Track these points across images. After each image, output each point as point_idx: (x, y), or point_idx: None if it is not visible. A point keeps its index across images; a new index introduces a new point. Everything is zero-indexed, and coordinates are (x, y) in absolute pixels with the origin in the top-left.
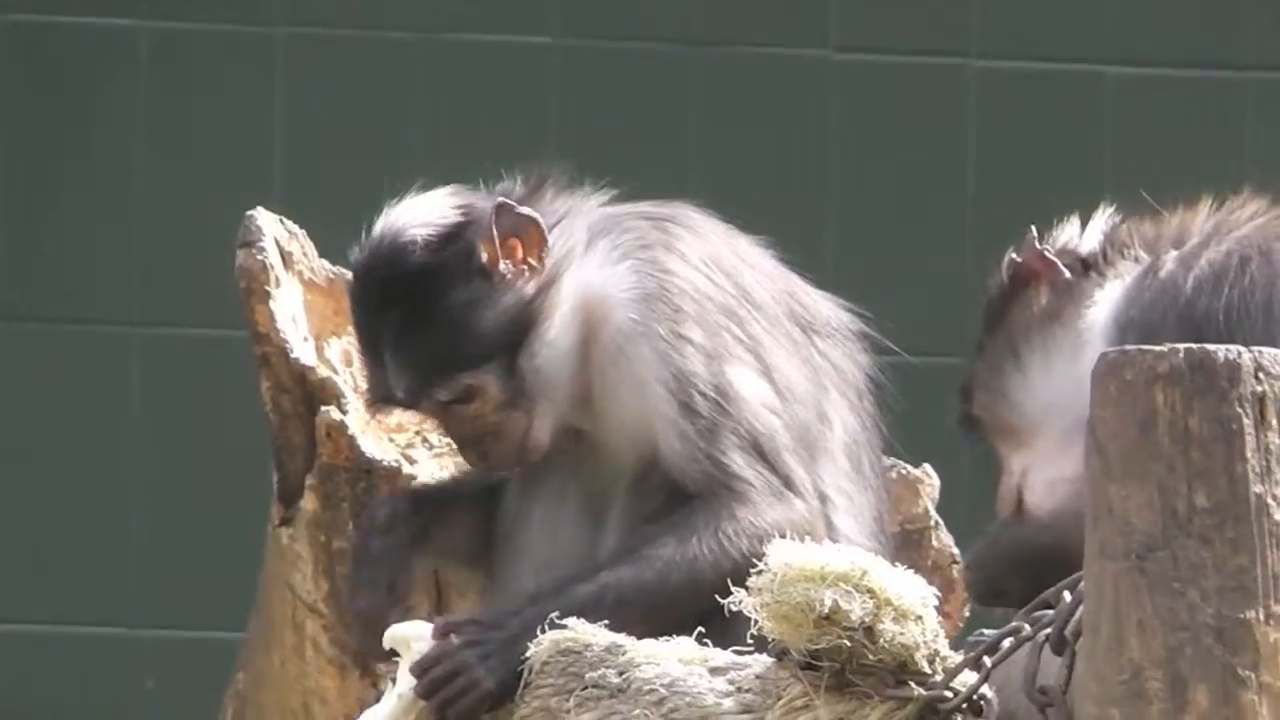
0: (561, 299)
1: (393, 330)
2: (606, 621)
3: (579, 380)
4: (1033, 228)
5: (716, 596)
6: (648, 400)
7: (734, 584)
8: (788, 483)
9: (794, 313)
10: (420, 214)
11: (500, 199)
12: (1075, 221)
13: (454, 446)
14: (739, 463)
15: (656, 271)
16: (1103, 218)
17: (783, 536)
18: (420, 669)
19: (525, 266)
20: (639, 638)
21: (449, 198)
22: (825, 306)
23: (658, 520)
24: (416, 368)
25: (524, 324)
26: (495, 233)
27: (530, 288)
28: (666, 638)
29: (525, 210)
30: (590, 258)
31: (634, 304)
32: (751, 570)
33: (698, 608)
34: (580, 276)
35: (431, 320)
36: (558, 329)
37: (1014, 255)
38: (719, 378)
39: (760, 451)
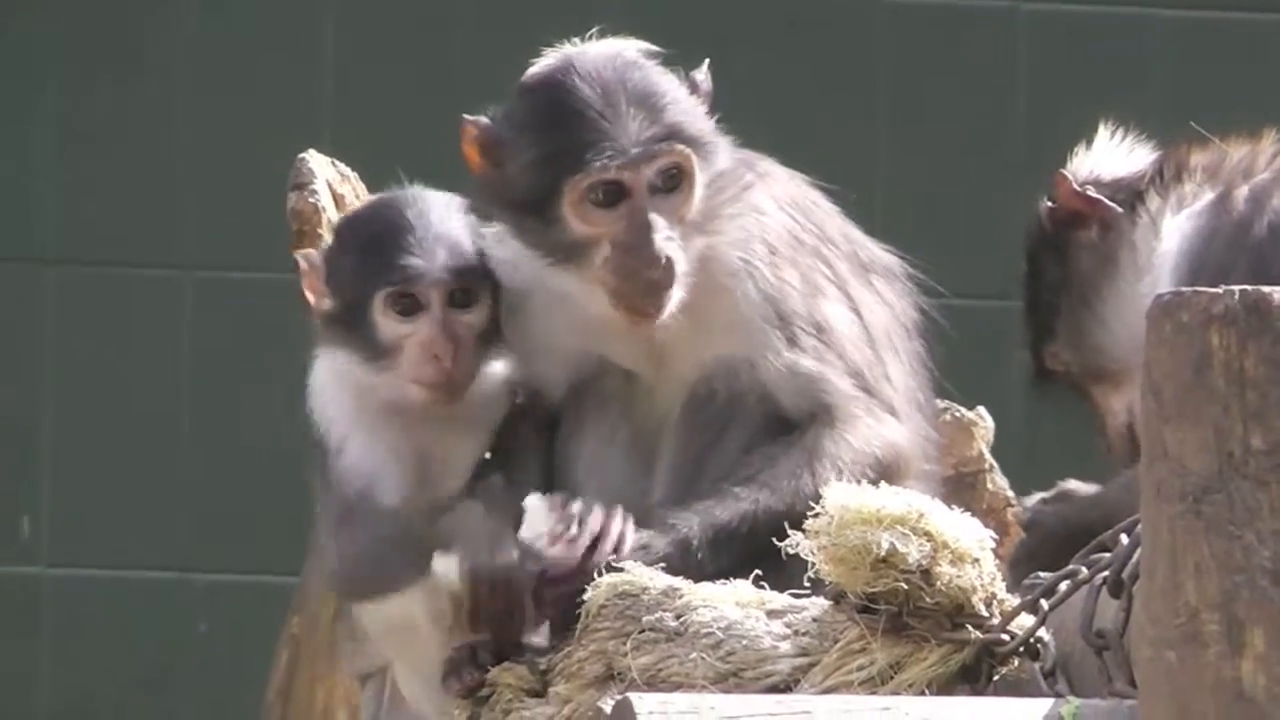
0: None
1: (656, 87)
2: (737, 546)
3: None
4: (1063, 170)
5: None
6: (753, 335)
7: None
8: (891, 409)
9: (855, 253)
10: None
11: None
12: (1088, 152)
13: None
14: (845, 388)
15: (753, 213)
16: (1116, 142)
17: (883, 462)
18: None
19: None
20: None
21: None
22: (876, 247)
23: (721, 450)
24: (674, 118)
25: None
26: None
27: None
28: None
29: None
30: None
31: (736, 244)
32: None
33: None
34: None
35: (679, 97)
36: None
37: (1049, 202)
38: (816, 314)
39: (862, 379)
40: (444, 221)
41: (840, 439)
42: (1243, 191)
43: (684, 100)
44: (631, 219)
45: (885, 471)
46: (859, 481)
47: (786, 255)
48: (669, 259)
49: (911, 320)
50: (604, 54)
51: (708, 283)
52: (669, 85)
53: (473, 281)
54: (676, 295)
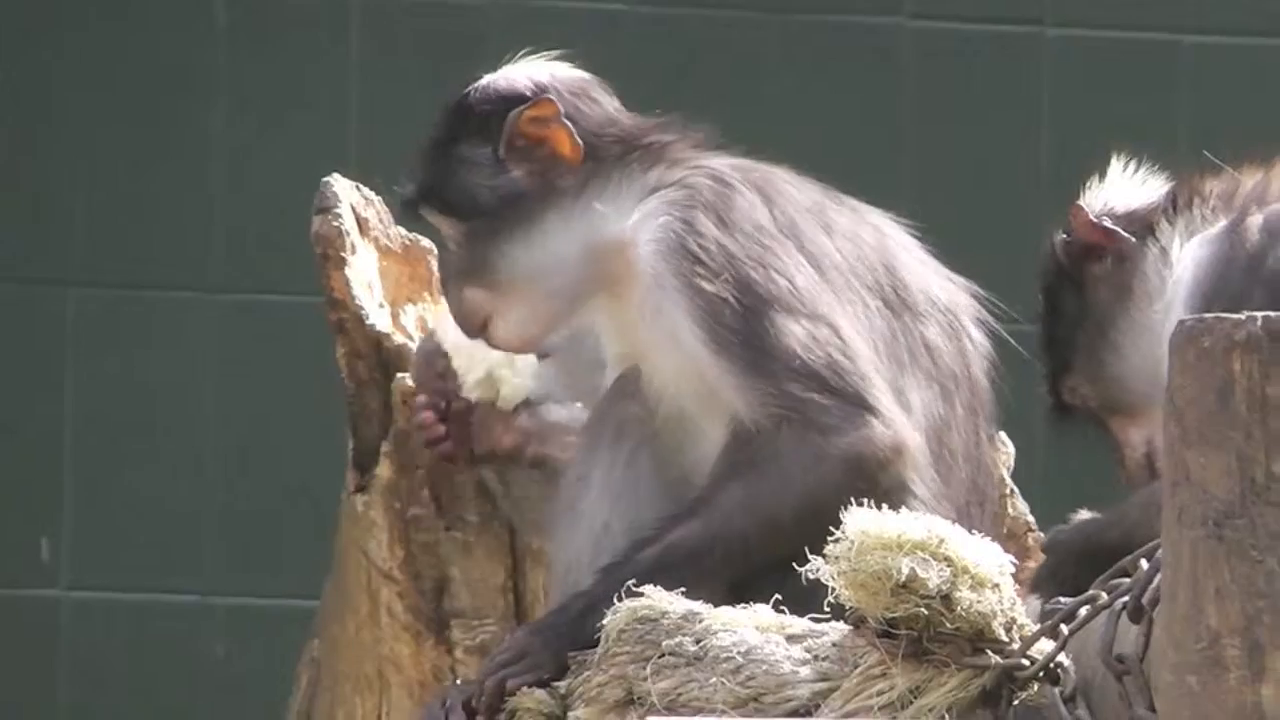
0: (582, 218)
1: (427, 142)
2: (682, 579)
3: (617, 321)
4: (1079, 202)
5: (803, 528)
6: (685, 350)
7: (816, 513)
8: (859, 401)
9: (880, 285)
10: (514, 72)
11: (547, 92)
12: (1103, 184)
13: None
14: (796, 390)
15: (684, 230)
16: (1129, 173)
17: (863, 456)
18: (490, 656)
19: (547, 156)
20: (724, 586)
21: (551, 72)
22: (935, 286)
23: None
24: (418, 180)
25: (517, 207)
26: (524, 111)
27: (548, 180)
28: (757, 591)
29: (558, 106)
30: (645, 202)
31: (653, 257)
32: (834, 495)
33: (789, 545)
34: (616, 215)
35: (435, 151)
36: (565, 242)
37: (1064, 234)
38: (754, 323)
39: (819, 378)
40: None
41: (794, 446)
42: (1257, 220)
43: (456, 161)
44: None
45: (876, 466)
46: (846, 481)
47: (713, 267)
48: (455, 305)
49: (958, 363)
50: (465, 90)
51: (636, 298)
52: (453, 139)
53: None
54: (499, 326)
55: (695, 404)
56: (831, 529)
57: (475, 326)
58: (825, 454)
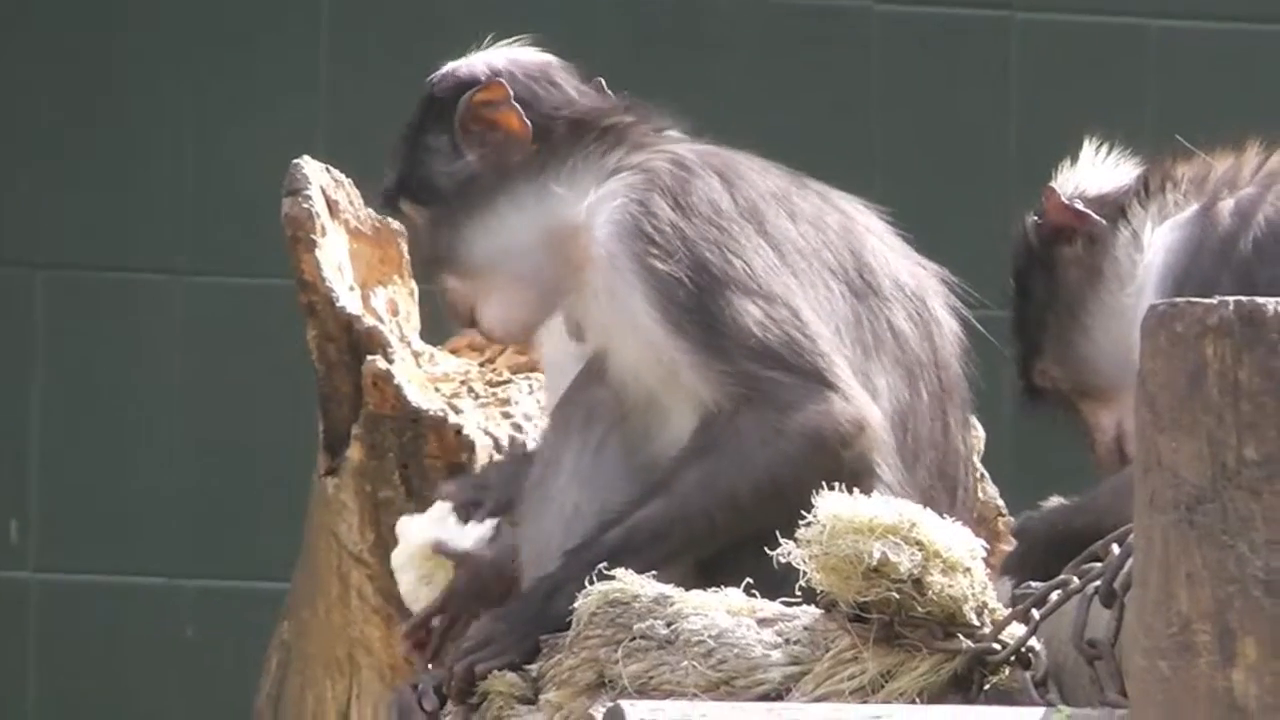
0: (540, 202)
1: (402, 133)
2: (648, 560)
3: (580, 304)
4: (1051, 184)
5: (766, 507)
6: (642, 331)
7: (777, 491)
8: (819, 378)
9: (844, 270)
10: (475, 58)
11: (500, 76)
12: (1074, 167)
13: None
14: (753, 369)
15: (639, 212)
16: (1101, 157)
17: (824, 431)
18: (459, 641)
19: (501, 141)
20: (693, 566)
21: (511, 56)
22: (903, 272)
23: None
24: (394, 172)
25: (475, 193)
26: (478, 94)
27: (503, 165)
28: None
29: (506, 89)
30: (603, 185)
31: (608, 239)
32: (795, 471)
33: (752, 524)
34: (573, 198)
35: (405, 142)
36: (523, 226)
37: (1036, 217)
38: (710, 303)
39: (776, 356)
40: None
41: (751, 423)
42: (1228, 204)
43: (421, 150)
44: None
45: (837, 442)
46: (806, 457)
47: (666, 248)
48: (446, 276)
49: (925, 350)
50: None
51: (589, 281)
52: (420, 128)
53: None
54: (484, 315)
55: (659, 387)
56: (796, 508)
57: (464, 317)
58: (783, 430)
